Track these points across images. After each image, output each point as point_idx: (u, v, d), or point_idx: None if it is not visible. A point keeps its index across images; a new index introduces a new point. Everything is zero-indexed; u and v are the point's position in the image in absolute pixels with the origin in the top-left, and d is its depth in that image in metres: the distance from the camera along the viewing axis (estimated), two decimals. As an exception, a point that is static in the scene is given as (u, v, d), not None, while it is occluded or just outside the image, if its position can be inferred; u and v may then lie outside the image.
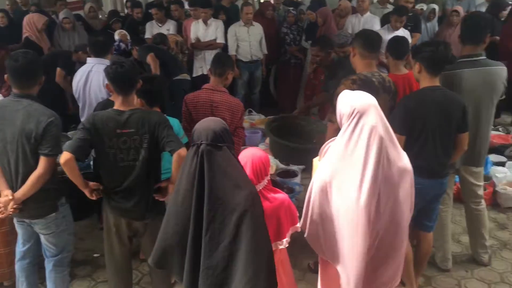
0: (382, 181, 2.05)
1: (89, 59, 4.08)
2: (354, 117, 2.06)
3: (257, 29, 6.39)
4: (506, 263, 3.64)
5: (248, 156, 2.31)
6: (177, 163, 2.58)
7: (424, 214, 3.05)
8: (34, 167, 2.62)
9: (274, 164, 4.55)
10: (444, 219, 3.43)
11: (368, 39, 3.19)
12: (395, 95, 3.20)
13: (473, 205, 3.52)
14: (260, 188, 2.29)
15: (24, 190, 2.63)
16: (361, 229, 2.06)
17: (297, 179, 4.53)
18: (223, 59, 3.59)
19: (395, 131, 2.83)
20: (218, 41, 6.30)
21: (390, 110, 3.17)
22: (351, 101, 2.11)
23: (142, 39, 6.11)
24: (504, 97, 3.35)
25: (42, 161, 2.61)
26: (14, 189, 2.68)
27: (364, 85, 2.99)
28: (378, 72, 3.17)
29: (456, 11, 6.48)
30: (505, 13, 6.48)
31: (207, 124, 1.98)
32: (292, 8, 7.00)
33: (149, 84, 2.97)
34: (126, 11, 7.88)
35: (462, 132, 2.93)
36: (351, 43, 3.45)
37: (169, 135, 2.63)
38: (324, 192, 2.13)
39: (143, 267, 3.62)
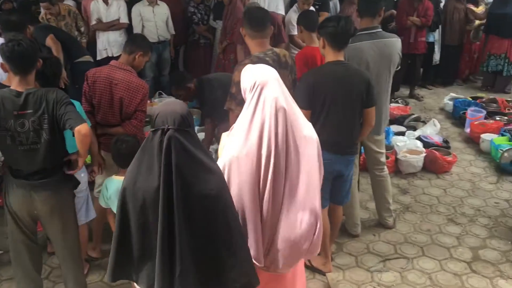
0: (290, 151, 2.07)
1: None
2: (256, 89, 2.05)
3: (163, 9, 6.17)
4: (408, 224, 3.91)
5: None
6: (78, 140, 2.45)
7: (335, 190, 3.14)
8: None
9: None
10: (352, 188, 3.59)
11: (253, 17, 3.07)
12: (294, 68, 3.23)
13: (377, 172, 3.72)
14: None
15: None
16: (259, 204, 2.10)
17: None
18: (137, 39, 3.48)
19: (299, 106, 2.92)
20: (121, 21, 6.01)
21: (292, 83, 3.21)
22: (252, 75, 2.10)
23: (37, 19, 5.67)
24: (399, 68, 3.55)
25: None
26: None
27: None
28: (272, 49, 3.10)
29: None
30: None
31: (172, 108, 1.83)
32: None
33: (43, 66, 2.77)
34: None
35: (368, 107, 2.97)
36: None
37: (67, 112, 2.47)
38: (233, 167, 2.09)
39: (52, 260, 3.42)
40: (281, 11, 6.00)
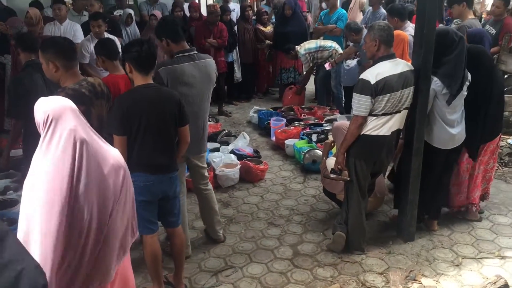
0: (93, 186, 1.91)
1: None
2: (50, 124, 1.85)
3: None
4: (234, 235, 4.08)
5: None
6: None
7: (166, 211, 3.13)
8: None
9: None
10: (182, 207, 3.61)
11: (63, 49, 2.97)
12: (109, 96, 3.20)
13: (203, 187, 3.82)
14: None
15: None
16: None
17: (18, 208, 4.05)
18: None
19: (113, 133, 2.84)
20: None
21: (109, 111, 3.15)
22: (44, 107, 1.89)
23: None
24: (215, 85, 3.73)
25: None
26: None
27: (75, 99, 2.81)
28: (85, 79, 3.08)
29: (153, 15, 6.85)
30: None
31: None
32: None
33: None
34: None
35: (182, 126, 3.07)
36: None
37: None
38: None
39: None
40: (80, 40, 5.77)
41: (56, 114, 1.87)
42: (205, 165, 3.85)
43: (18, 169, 4.63)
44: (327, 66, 6.50)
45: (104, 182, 1.95)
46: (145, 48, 2.89)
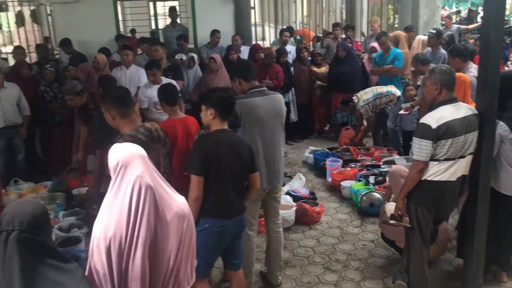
0: (157, 231, 2.00)
1: None
2: (120, 170, 1.98)
3: (11, 91, 5.79)
4: (290, 280, 4.02)
5: None
6: None
7: (230, 254, 3.16)
8: None
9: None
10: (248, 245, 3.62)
11: (116, 97, 3.12)
12: (166, 140, 3.31)
13: (275, 226, 3.84)
14: None
15: None
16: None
17: (82, 245, 4.21)
18: None
19: (192, 173, 2.93)
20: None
21: (165, 156, 3.26)
22: (115, 155, 2.03)
23: None
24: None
25: None
26: None
27: None
28: (143, 124, 3.20)
29: (212, 58, 7.08)
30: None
31: (22, 208, 1.67)
32: (49, 65, 6.61)
33: None
34: None
35: (253, 172, 3.17)
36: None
37: None
38: (103, 254, 1.97)
39: None
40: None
41: (126, 161, 1.98)
42: (280, 200, 3.89)
43: (83, 207, 4.85)
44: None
45: (167, 229, 2.01)
46: (227, 95, 3.06)
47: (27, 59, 7.39)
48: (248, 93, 3.58)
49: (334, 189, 5.98)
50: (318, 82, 8.06)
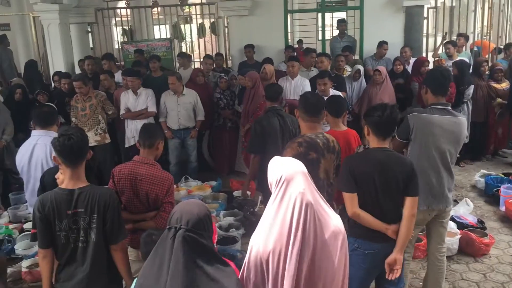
0: (315, 248, 1.99)
1: (34, 132, 3.88)
2: (282, 184, 2.01)
3: (189, 98, 6.36)
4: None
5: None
6: (116, 259, 2.59)
7: (385, 279, 2.92)
8: None
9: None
10: (405, 269, 3.35)
11: (307, 103, 3.29)
12: (339, 154, 3.30)
13: (439, 254, 3.54)
14: None
15: None
16: None
17: (238, 246, 4.43)
18: (152, 129, 3.47)
19: (342, 190, 2.88)
20: (149, 109, 6.25)
21: (336, 168, 3.27)
22: (278, 168, 2.07)
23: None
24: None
25: None
26: None
27: (309, 146, 3.10)
28: (322, 133, 3.28)
29: (378, 70, 6.87)
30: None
31: (190, 208, 1.84)
32: (223, 74, 7.15)
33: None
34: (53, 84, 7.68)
35: (410, 195, 2.82)
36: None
37: (113, 221, 2.56)
38: (258, 266, 2.02)
39: None
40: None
41: (289, 176, 2.02)
42: (446, 226, 3.56)
43: (241, 209, 5.11)
44: None
45: (324, 247, 1.99)
46: (387, 114, 2.83)
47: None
48: (428, 107, 3.38)
49: (508, 220, 5.31)
50: (499, 100, 7.27)
